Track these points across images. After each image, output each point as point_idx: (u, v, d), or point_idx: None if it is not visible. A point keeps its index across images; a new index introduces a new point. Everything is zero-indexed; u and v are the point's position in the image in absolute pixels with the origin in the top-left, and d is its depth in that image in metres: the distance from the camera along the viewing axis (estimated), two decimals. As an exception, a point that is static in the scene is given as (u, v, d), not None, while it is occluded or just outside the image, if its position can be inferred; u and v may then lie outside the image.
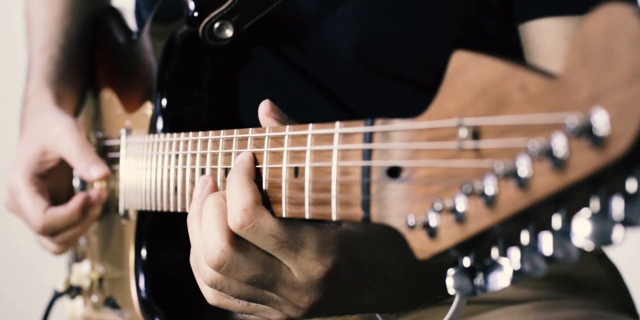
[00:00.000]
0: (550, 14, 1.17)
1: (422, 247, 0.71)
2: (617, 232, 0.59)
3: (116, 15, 1.49)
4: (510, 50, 1.23)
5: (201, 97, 1.26)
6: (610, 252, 1.32)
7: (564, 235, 0.62)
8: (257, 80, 1.26)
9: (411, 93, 1.24)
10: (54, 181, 1.40)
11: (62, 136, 1.35)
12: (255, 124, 0.94)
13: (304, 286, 0.87)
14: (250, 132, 0.94)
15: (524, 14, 1.19)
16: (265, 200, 0.89)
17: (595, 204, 0.60)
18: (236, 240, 0.87)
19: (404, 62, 1.23)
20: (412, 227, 0.70)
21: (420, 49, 1.22)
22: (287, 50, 1.24)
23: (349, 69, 1.23)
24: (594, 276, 1.29)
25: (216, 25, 1.18)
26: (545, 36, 1.17)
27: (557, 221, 0.63)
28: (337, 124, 0.80)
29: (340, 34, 1.22)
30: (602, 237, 0.60)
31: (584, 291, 1.27)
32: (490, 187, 0.64)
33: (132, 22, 1.49)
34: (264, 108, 0.92)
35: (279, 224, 0.86)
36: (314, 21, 1.22)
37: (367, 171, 0.76)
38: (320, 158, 0.82)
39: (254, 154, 0.92)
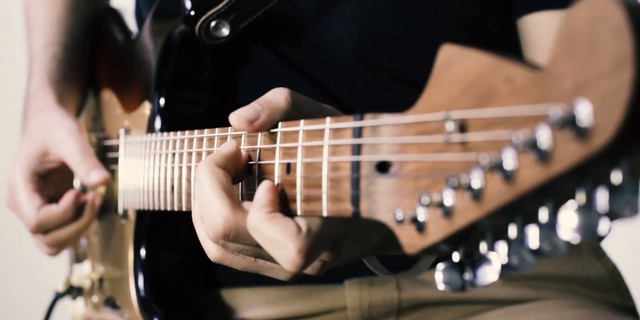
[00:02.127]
0: (546, 8, 1.18)
1: (411, 241, 0.71)
2: (603, 224, 0.59)
3: (116, 15, 1.50)
4: (513, 49, 1.23)
5: (199, 96, 1.26)
6: (611, 253, 1.32)
7: (550, 228, 0.62)
8: (256, 80, 1.26)
9: (411, 93, 1.22)
10: (56, 182, 1.40)
11: (64, 140, 1.35)
12: None
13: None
14: None
15: (521, 8, 1.20)
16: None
17: (581, 196, 0.60)
18: (239, 206, 0.84)
19: (404, 62, 1.23)
20: (400, 222, 0.70)
21: (420, 49, 1.22)
22: (287, 49, 1.24)
23: (349, 69, 1.23)
24: (595, 276, 1.28)
25: (212, 24, 1.18)
26: (541, 30, 1.18)
27: (543, 214, 0.62)
28: (328, 119, 0.80)
29: (340, 34, 1.22)
30: (588, 229, 0.59)
31: (585, 291, 1.27)
32: (476, 180, 0.64)
33: (131, 23, 1.50)
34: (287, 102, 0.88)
35: (322, 237, 0.82)
36: (313, 21, 1.22)
37: (356, 166, 0.75)
38: (312, 154, 0.82)
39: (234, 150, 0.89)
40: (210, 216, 0.84)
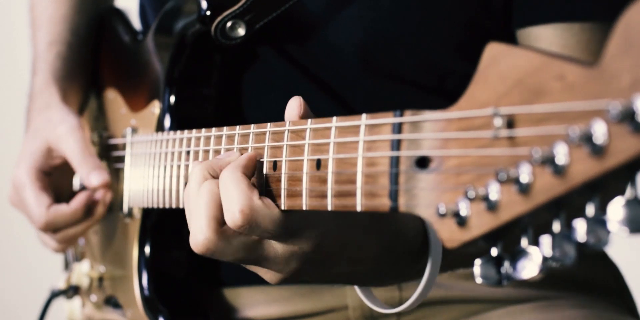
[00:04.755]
0: (548, 21, 1.18)
1: (451, 236, 0.72)
2: (653, 218, 0.60)
3: (121, 15, 1.50)
4: None
5: (209, 95, 1.27)
6: (612, 253, 1.34)
7: (597, 222, 0.63)
8: (264, 80, 1.27)
9: (414, 95, 1.26)
10: (57, 178, 1.40)
11: (65, 137, 1.35)
12: (259, 122, 0.96)
13: (287, 259, 0.92)
14: (269, 127, 0.94)
15: (523, 20, 1.20)
16: (284, 193, 0.90)
17: (631, 192, 0.61)
18: (220, 229, 0.91)
19: (407, 64, 1.24)
20: (442, 216, 0.71)
21: (423, 52, 1.24)
22: (293, 50, 1.26)
23: (353, 71, 1.24)
24: (596, 276, 1.30)
25: (228, 24, 1.19)
26: (542, 44, 1.19)
27: (590, 209, 0.64)
28: (364, 116, 0.81)
29: (345, 36, 1.23)
30: (637, 223, 0.61)
31: (585, 291, 1.29)
32: (525, 174, 0.65)
33: (136, 23, 1.50)
34: (297, 110, 0.93)
35: (275, 221, 0.89)
36: (319, 23, 1.24)
37: (395, 162, 0.77)
38: (345, 150, 0.83)
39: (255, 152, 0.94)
40: (195, 230, 0.93)
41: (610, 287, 1.31)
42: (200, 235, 0.92)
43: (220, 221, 0.91)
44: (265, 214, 0.89)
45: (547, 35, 1.18)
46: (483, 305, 1.27)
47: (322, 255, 0.93)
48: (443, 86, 1.24)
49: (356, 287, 1.01)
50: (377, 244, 0.95)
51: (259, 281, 1.30)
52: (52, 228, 1.34)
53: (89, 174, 1.32)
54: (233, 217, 0.88)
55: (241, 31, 1.19)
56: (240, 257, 0.93)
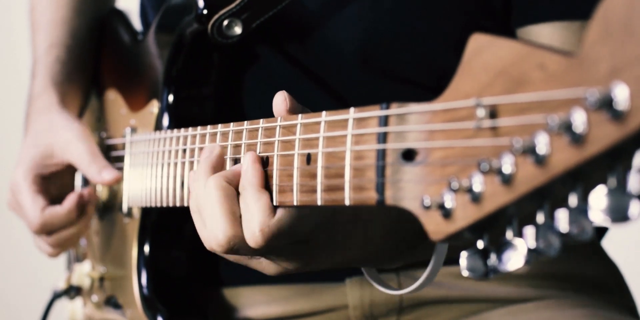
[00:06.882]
0: (547, 20, 1.18)
1: (436, 228, 0.72)
2: (634, 207, 0.60)
3: (122, 16, 1.50)
4: None
5: (207, 94, 1.27)
6: (611, 252, 1.33)
7: (580, 212, 0.63)
8: (262, 79, 1.27)
9: (413, 94, 1.25)
10: (58, 184, 1.41)
11: (71, 141, 1.36)
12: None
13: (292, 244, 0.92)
14: (261, 123, 0.95)
15: (522, 19, 1.21)
16: (276, 189, 0.90)
17: (612, 180, 0.61)
18: (241, 224, 0.91)
19: (406, 63, 1.24)
20: (427, 208, 0.71)
21: (423, 51, 1.24)
22: (293, 49, 1.26)
23: (353, 70, 1.24)
24: (596, 275, 1.30)
25: (225, 22, 1.19)
26: (543, 42, 1.19)
27: (573, 199, 0.64)
28: (352, 109, 0.81)
29: (345, 35, 1.23)
30: (619, 212, 0.61)
31: (586, 290, 1.28)
32: (507, 165, 0.65)
33: (136, 24, 1.51)
34: (283, 105, 0.93)
35: (288, 230, 0.89)
36: (319, 21, 1.24)
37: (381, 154, 0.77)
38: (334, 144, 0.83)
39: (261, 158, 0.94)
40: (215, 231, 0.91)
41: (610, 287, 1.31)
42: (220, 234, 0.91)
43: (237, 215, 0.91)
44: (282, 227, 0.89)
45: (546, 34, 1.18)
46: (483, 305, 1.27)
47: (334, 241, 0.93)
48: (443, 85, 1.23)
49: (363, 269, 1.01)
50: (384, 221, 0.96)
51: (259, 281, 1.31)
52: (47, 230, 1.35)
53: (100, 172, 1.33)
54: (254, 236, 0.89)
55: (238, 30, 1.20)
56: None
